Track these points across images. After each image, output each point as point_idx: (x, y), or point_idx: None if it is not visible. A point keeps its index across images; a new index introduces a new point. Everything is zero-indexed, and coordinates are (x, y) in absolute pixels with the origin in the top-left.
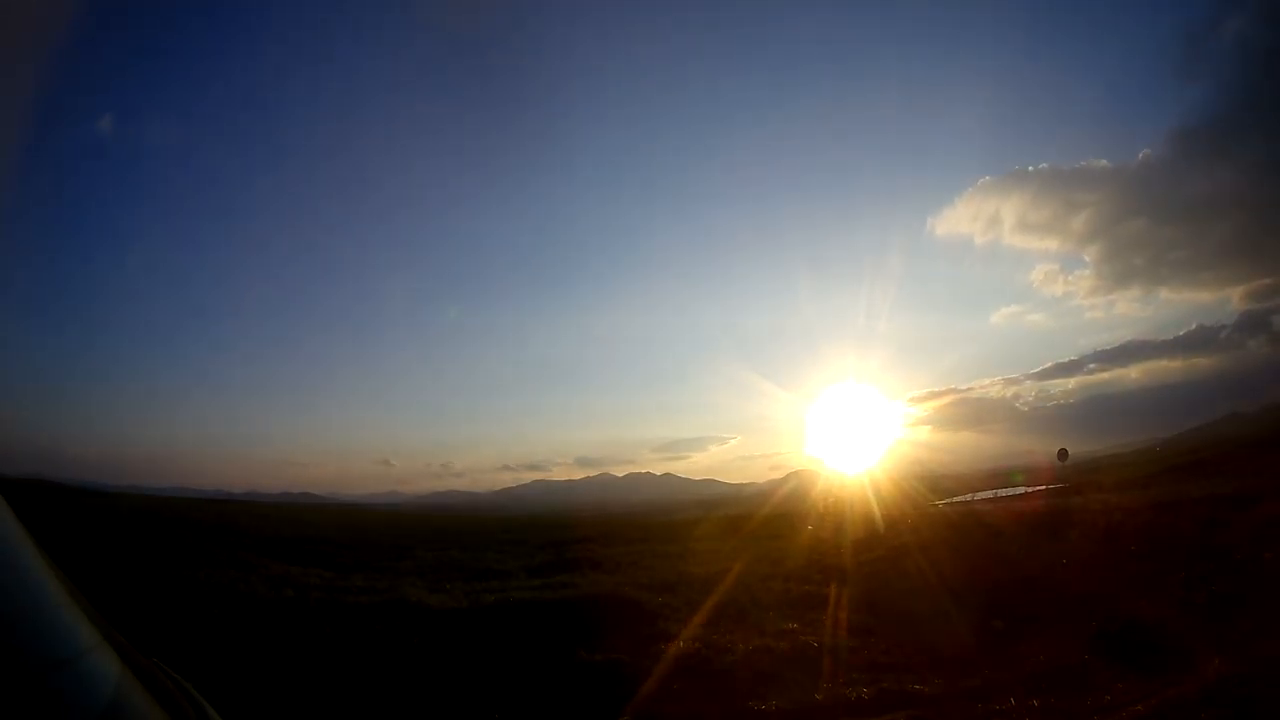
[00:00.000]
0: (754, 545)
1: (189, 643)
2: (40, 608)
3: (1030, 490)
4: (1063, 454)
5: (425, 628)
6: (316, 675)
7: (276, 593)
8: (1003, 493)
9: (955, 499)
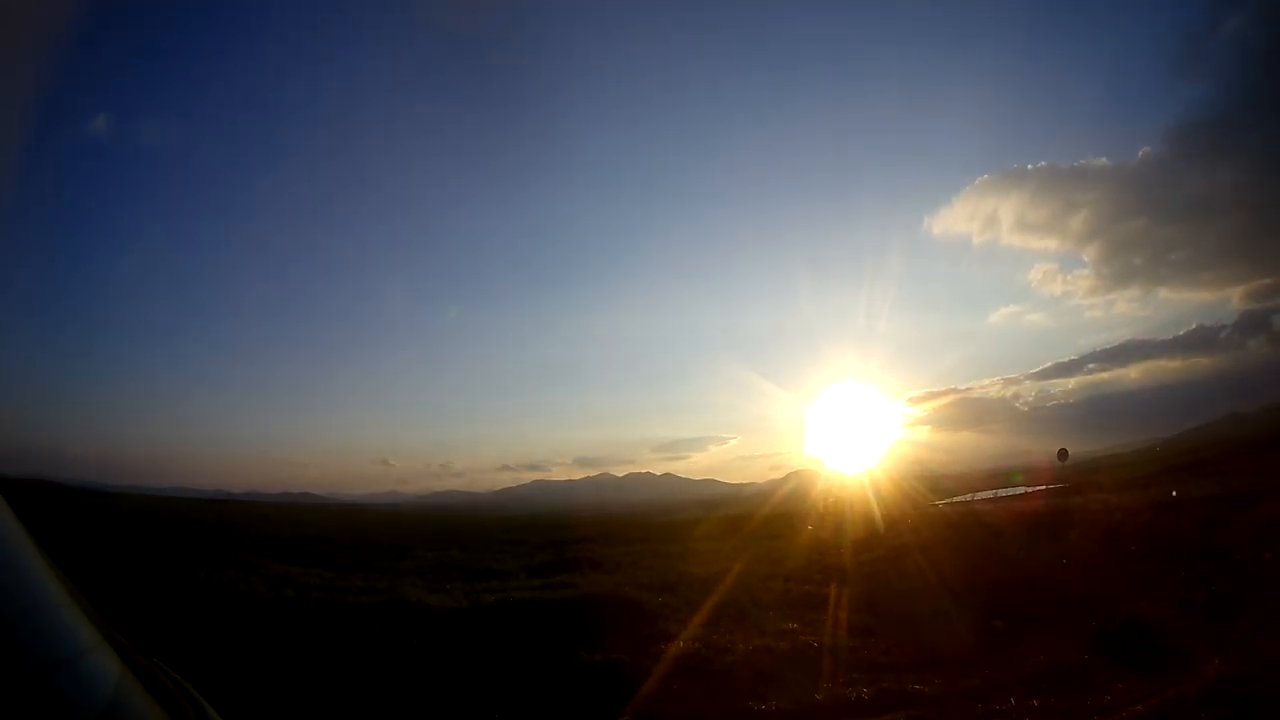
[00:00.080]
0: (754, 545)
1: (189, 643)
2: (40, 608)
3: (1030, 490)
4: (1063, 454)
5: (425, 628)
6: (316, 675)
7: (276, 593)
8: (1003, 493)
9: (955, 499)
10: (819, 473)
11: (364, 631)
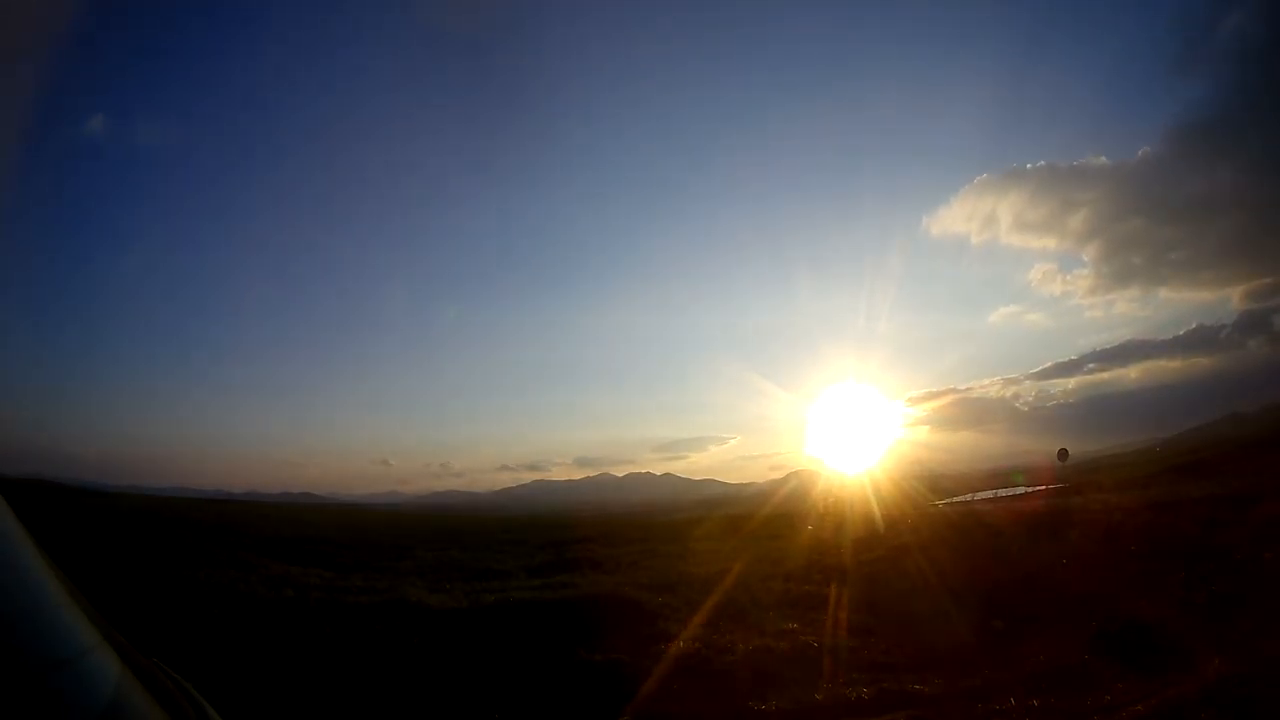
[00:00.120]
0: (754, 545)
1: (189, 643)
2: (40, 608)
3: (1030, 490)
4: (1063, 454)
5: (425, 628)
6: (316, 675)
7: (276, 593)
8: (1003, 493)
9: (955, 499)
10: (819, 473)
11: (364, 631)
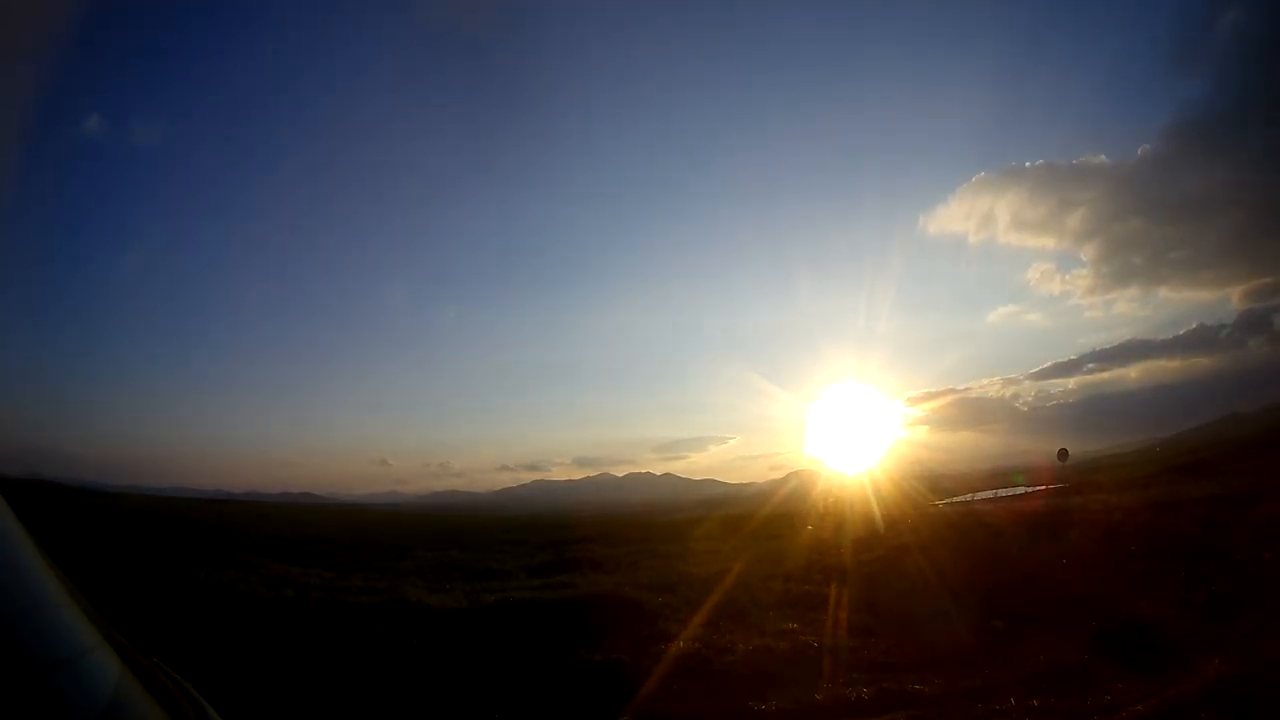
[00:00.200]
0: (754, 545)
1: (189, 643)
2: (40, 608)
3: (1030, 490)
4: (1063, 454)
5: (425, 628)
6: (316, 675)
7: (276, 593)
8: (1003, 493)
9: (955, 499)
10: (819, 473)
11: (364, 631)
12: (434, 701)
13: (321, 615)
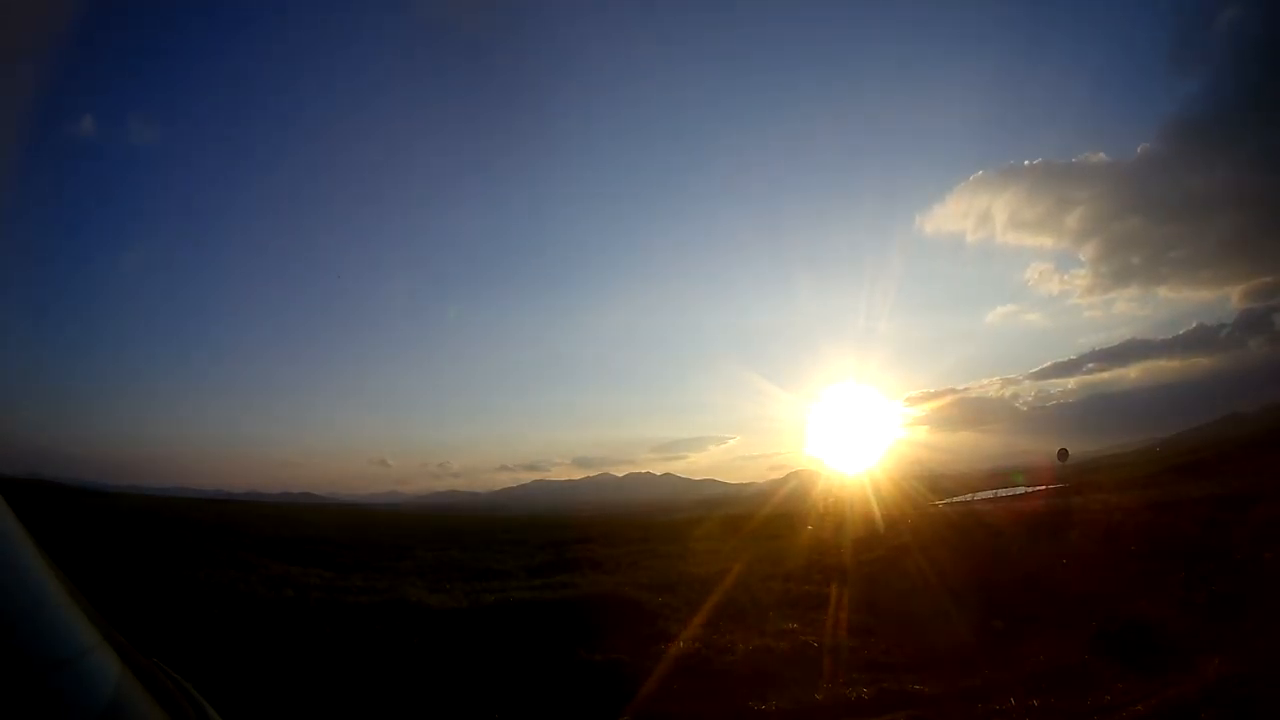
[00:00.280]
0: (754, 545)
1: (189, 643)
2: (40, 608)
3: (1030, 490)
4: (1063, 454)
5: (425, 628)
6: (316, 675)
7: (276, 593)
8: (1003, 493)
9: (955, 499)
10: (819, 473)
11: (364, 631)
12: (434, 701)
13: (321, 615)
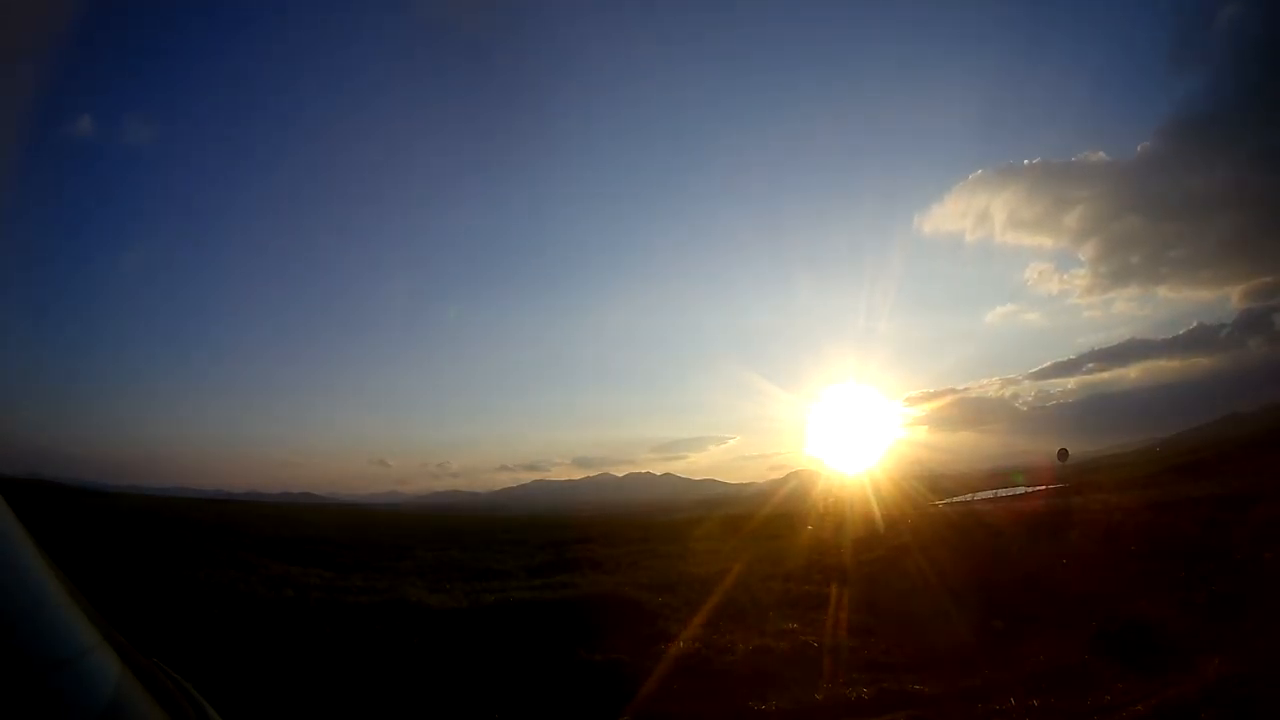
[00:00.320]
0: (754, 545)
1: (189, 643)
2: (40, 608)
3: (1030, 490)
4: (1063, 454)
5: (425, 628)
6: (316, 675)
7: (276, 593)
8: (1003, 493)
9: (955, 499)
10: (819, 473)
11: (364, 631)
12: (434, 701)
13: (321, 615)
